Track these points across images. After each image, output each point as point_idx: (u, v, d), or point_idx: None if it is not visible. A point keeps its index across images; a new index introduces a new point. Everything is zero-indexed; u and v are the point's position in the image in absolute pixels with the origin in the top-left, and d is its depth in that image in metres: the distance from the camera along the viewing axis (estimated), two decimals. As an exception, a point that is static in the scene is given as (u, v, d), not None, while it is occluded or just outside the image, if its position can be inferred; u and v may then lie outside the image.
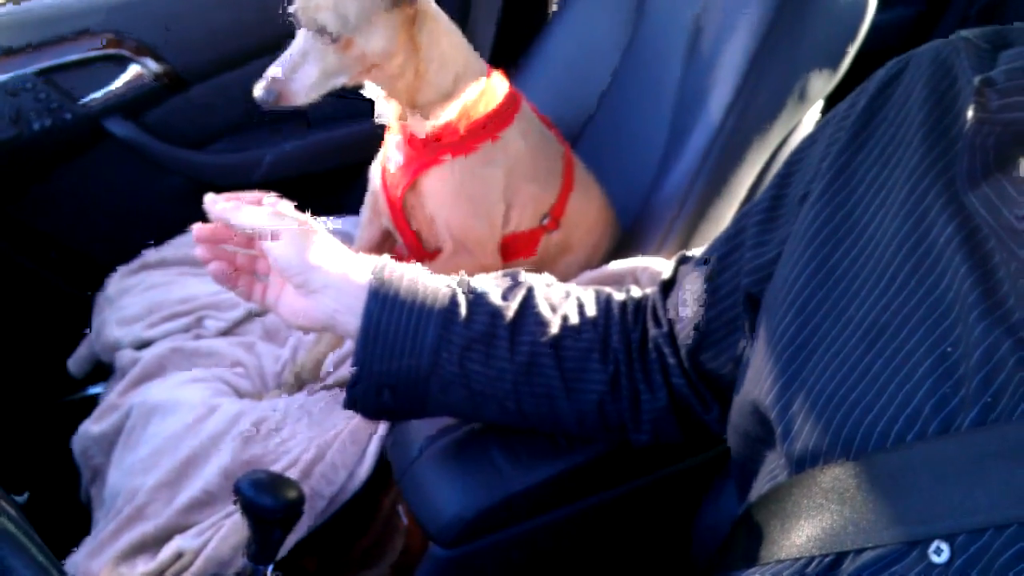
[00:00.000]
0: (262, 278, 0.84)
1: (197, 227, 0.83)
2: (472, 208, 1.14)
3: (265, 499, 0.81)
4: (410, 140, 1.14)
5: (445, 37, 1.11)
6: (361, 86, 1.13)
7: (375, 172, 1.23)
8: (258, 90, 1.01)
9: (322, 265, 0.77)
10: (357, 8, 1.01)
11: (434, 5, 1.11)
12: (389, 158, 1.18)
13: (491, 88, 1.16)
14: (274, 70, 1.02)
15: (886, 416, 0.54)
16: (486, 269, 1.12)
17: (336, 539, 1.11)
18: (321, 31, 1.01)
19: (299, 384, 1.20)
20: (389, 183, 1.18)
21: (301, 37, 1.03)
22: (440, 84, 1.10)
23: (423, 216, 1.17)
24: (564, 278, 1.25)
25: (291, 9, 1.04)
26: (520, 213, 1.20)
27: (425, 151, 1.12)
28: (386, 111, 1.15)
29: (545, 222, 1.22)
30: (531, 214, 1.21)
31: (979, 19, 1.94)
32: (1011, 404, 0.49)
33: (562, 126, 1.44)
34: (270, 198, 0.82)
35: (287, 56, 1.03)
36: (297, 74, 1.02)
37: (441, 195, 1.13)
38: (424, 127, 1.12)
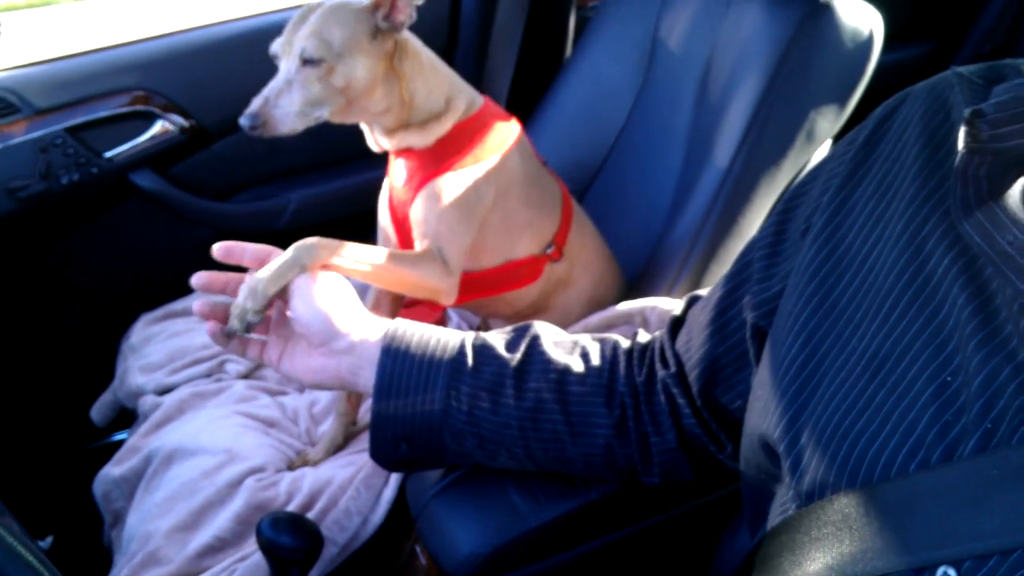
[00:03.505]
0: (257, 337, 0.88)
1: (198, 275, 0.86)
2: (462, 212, 1.14)
3: (284, 539, 0.82)
4: (411, 156, 1.16)
5: (429, 68, 1.14)
6: (356, 126, 1.16)
7: (382, 203, 1.24)
8: (243, 118, 1.03)
9: (348, 332, 0.82)
10: (340, 35, 1.04)
11: (416, 40, 1.14)
12: (394, 177, 1.19)
13: (489, 110, 1.19)
14: (258, 99, 1.04)
15: (890, 446, 0.54)
16: (447, 292, 1.12)
17: (356, 582, 1.11)
18: (305, 61, 1.04)
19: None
20: (396, 203, 1.19)
21: (284, 67, 1.06)
22: (432, 107, 1.13)
23: (422, 228, 1.17)
24: (566, 312, 1.27)
25: (272, 48, 1.07)
26: (516, 239, 1.21)
27: (427, 164, 1.14)
28: (380, 140, 1.17)
29: (549, 251, 1.24)
30: (529, 240, 1.22)
31: (992, 59, 1.94)
32: (1011, 428, 0.49)
33: (576, 171, 1.47)
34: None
35: (271, 85, 1.05)
36: (281, 101, 1.04)
37: (438, 197, 1.14)
38: (422, 141, 1.14)
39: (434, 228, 1.13)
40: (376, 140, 1.18)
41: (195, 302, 0.86)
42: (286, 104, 1.03)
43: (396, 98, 1.10)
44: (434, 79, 1.14)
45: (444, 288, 1.11)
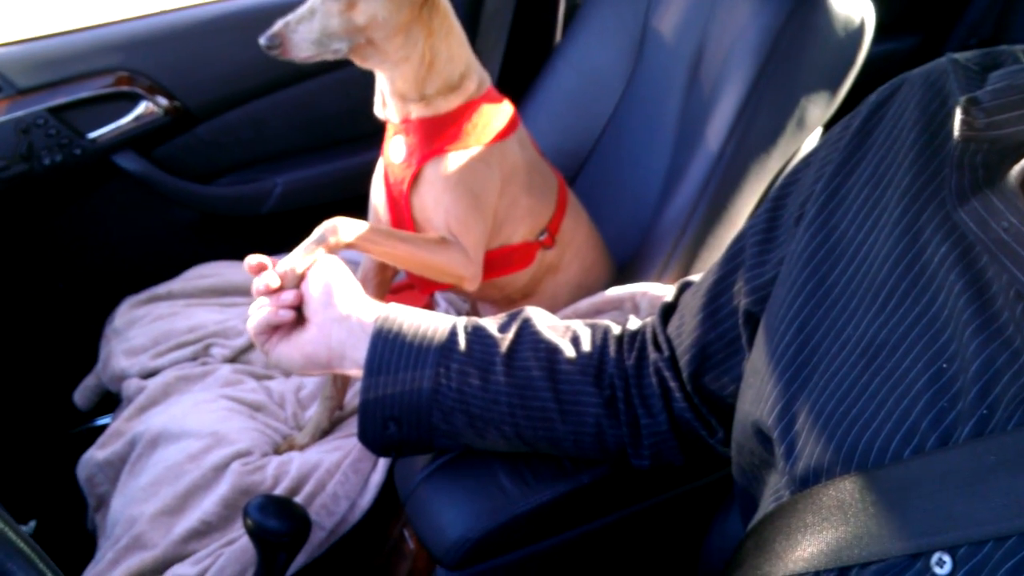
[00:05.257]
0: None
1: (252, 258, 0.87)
2: (473, 201, 1.14)
3: (272, 522, 0.82)
4: (413, 129, 1.14)
5: (455, 31, 1.14)
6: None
7: (376, 180, 1.23)
8: (262, 38, 1.04)
9: (345, 305, 0.84)
10: None
11: (448, 4, 1.13)
12: (391, 154, 1.18)
13: (494, 96, 1.18)
14: (280, 22, 1.05)
15: (884, 432, 0.54)
16: (470, 279, 1.13)
17: (344, 567, 1.11)
18: None
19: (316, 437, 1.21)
20: (392, 181, 1.18)
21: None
22: (448, 76, 1.13)
23: (425, 214, 1.16)
24: (554, 297, 1.27)
25: None
26: (515, 226, 1.21)
27: (428, 141, 1.13)
28: (389, 101, 1.16)
29: (542, 238, 1.24)
30: (527, 227, 1.22)
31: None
32: (1007, 414, 0.49)
33: (565, 157, 1.46)
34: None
35: (296, 12, 1.06)
36: (300, 28, 1.04)
37: (444, 183, 1.13)
38: (427, 113, 1.13)
39: (444, 222, 1.13)
40: (384, 101, 1.17)
41: (258, 282, 0.86)
42: (305, 31, 1.05)
43: (418, 52, 1.10)
44: (457, 47, 1.14)
45: (468, 275, 1.14)
